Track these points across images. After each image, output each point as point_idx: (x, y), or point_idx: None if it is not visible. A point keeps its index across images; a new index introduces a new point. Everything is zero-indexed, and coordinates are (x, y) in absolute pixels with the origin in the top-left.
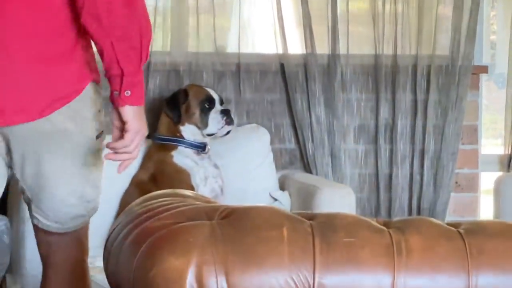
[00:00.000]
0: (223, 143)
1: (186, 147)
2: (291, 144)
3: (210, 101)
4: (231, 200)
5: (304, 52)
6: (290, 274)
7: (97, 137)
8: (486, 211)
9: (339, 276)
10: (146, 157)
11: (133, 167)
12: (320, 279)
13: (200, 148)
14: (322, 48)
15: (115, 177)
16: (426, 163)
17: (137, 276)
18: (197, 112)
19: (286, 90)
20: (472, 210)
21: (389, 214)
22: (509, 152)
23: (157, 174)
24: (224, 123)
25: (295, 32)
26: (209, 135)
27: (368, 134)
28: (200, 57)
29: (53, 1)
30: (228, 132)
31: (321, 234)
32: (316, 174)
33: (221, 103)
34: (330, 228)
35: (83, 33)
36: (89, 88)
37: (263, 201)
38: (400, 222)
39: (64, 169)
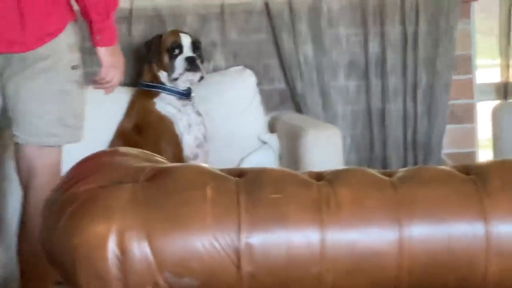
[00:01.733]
0: (208, 88)
1: (168, 94)
2: (281, 85)
3: (179, 47)
4: (219, 146)
5: None
6: (214, 235)
7: (73, 67)
8: (484, 142)
9: (267, 235)
10: (130, 105)
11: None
12: (246, 238)
13: (184, 95)
14: None
15: (101, 128)
16: (419, 96)
17: (61, 244)
18: (165, 58)
19: (273, 30)
20: (469, 141)
21: (384, 149)
22: (505, 80)
23: (140, 122)
24: (185, 70)
25: None
26: (174, 79)
27: (358, 70)
28: (183, 0)
29: None
30: (200, 79)
31: (247, 192)
32: (307, 113)
33: (195, 49)
34: (257, 184)
35: None
36: (68, 26)
37: (251, 145)
38: (331, 174)
39: (41, 92)
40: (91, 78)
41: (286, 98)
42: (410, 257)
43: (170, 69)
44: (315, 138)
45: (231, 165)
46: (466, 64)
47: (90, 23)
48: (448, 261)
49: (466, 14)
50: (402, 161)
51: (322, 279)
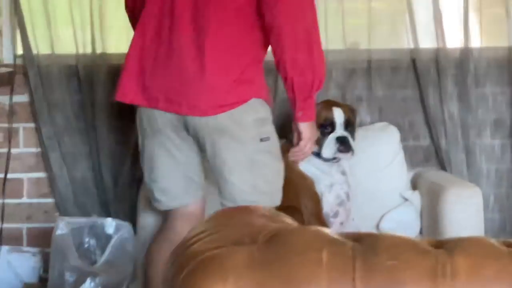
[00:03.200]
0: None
1: (315, 157)
2: (426, 141)
3: (331, 125)
4: (360, 202)
5: (436, 46)
6: None
7: (262, 140)
8: None
9: None
10: None
11: None
12: None
13: (330, 160)
14: (454, 42)
15: None
16: None
17: None
18: (317, 135)
19: (419, 86)
20: None
21: None
22: None
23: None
24: (337, 150)
25: (426, 26)
26: (325, 160)
27: (504, 128)
28: (329, 54)
29: (247, 23)
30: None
31: (362, 257)
32: (451, 171)
33: (348, 125)
34: (373, 250)
35: (256, 61)
36: (251, 102)
37: (393, 202)
38: (451, 241)
39: (236, 160)
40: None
41: (431, 155)
42: None
43: (320, 145)
44: (456, 197)
45: (372, 221)
46: None
47: (293, 100)
48: None
49: None
50: None
51: None
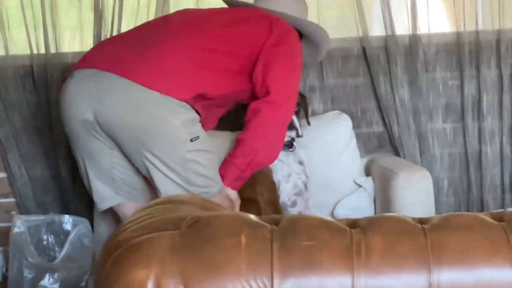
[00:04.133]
0: (306, 133)
1: None
2: (379, 128)
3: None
4: (315, 189)
5: (385, 34)
6: (248, 281)
7: (191, 140)
8: None
9: (299, 280)
10: None
11: None
12: (279, 284)
13: (285, 146)
14: (403, 29)
15: None
16: None
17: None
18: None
19: (370, 74)
20: None
21: (481, 192)
22: None
23: None
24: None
25: (375, 15)
26: None
27: (455, 112)
28: None
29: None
30: (297, 135)
31: (280, 239)
32: (404, 157)
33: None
34: (291, 232)
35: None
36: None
37: (347, 188)
38: (366, 221)
39: (168, 155)
40: None
41: (384, 141)
42: None
43: None
44: (406, 181)
45: (327, 209)
46: None
47: (231, 161)
48: None
49: None
50: (500, 203)
51: None
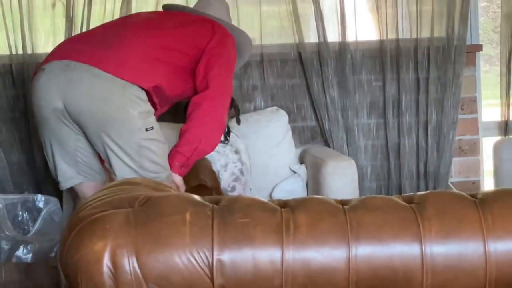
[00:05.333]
0: (248, 126)
1: None
2: (312, 122)
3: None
4: (256, 175)
5: (318, 41)
6: (191, 253)
7: (146, 129)
8: (488, 172)
9: (235, 253)
10: None
11: None
12: (218, 256)
13: (221, 141)
14: (334, 37)
15: None
16: (430, 132)
17: (67, 259)
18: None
19: (304, 75)
20: (475, 171)
21: (400, 178)
22: (505, 119)
23: None
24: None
25: (309, 24)
26: None
27: (378, 109)
28: None
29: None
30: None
31: (220, 216)
32: (333, 147)
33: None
34: (229, 211)
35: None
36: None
37: (283, 174)
38: (295, 201)
39: (125, 142)
40: None
41: (317, 134)
42: (356, 273)
43: None
44: (333, 168)
45: (266, 191)
46: (472, 105)
47: (178, 150)
48: (389, 277)
49: (472, 62)
50: (415, 188)
51: None
